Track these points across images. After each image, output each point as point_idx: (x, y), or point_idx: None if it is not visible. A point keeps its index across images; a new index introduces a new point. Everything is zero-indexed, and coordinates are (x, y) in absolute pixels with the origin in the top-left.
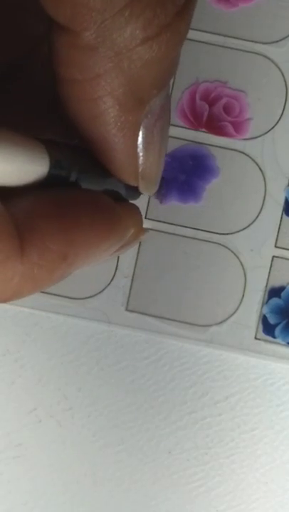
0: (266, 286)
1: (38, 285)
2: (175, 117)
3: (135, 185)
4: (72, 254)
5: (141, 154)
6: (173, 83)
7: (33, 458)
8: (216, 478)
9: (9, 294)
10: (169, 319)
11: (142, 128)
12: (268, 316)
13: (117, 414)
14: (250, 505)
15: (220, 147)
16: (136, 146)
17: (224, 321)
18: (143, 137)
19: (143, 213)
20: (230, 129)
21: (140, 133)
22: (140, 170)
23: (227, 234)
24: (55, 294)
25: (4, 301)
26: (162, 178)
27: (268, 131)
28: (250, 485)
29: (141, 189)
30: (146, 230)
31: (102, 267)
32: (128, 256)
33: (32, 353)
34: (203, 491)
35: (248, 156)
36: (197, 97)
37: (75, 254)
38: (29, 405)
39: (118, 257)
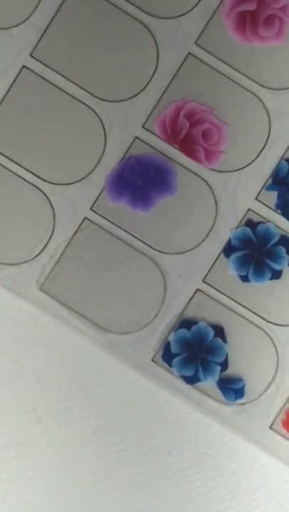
0: (180, 315)
1: None
2: (154, 125)
3: None
4: None
5: None
6: (163, 92)
7: (33, 458)
8: (216, 479)
9: None
10: (77, 312)
11: None
12: (171, 343)
13: (117, 414)
14: (250, 505)
15: (185, 168)
16: None
17: (128, 333)
18: None
19: (90, 204)
20: (202, 154)
21: None
22: None
23: (162, 252)
24: None
25: None
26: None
27: (236, 170)
28: (250, 485)
29: None
30: None
31: (30, 240)
32: (60, 238)
33: (32, 353)
34: (202, 491)
35: (209, 186)
36: (182, 113)
37: None
38: (29, 405)
39: (51, 235)
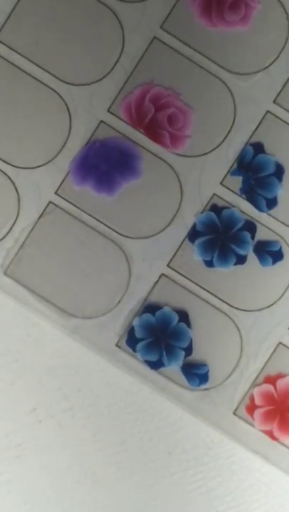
0: (145, 299)
1: None
2: (119, 109)
3: None
4: None
5: None
6: (129, 76)
7: (33, 458)
8: (216, 479)
9: None
10: (41, 297)
11: None
12: (136, 328)
13: (117, 414)
14: (251, 506)
15: (150, 152)
16: None
17: (92, 317)
18: None
19: (55, 188)
20: (167, 139)
21: None
22: None
23: (126, 236)
24: None
25: None
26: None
27: (201, 155)
28: (251, 485)
29: None
30: None
31: None
32: (25, 222)
33: (32, 353)
34: (203, 492)
35: (174, 170)
36: (147, 97)
37: None
38: (29, 405)
39: (16, 219)
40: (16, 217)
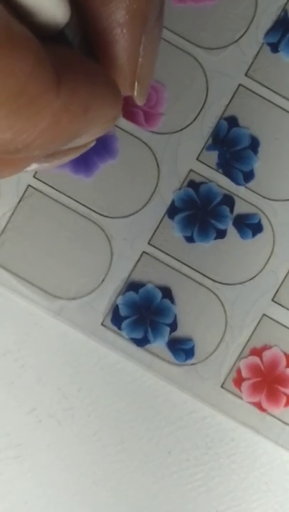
0: (128, 278)
1: (60, 133)
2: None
3: (130, 91)
4: (92, 109)
5: (141, 53)
6: None
7: (33, 458)
8: (216, 479)
9: (38, 130)
10: (24, 280)
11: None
12: (120, 307)
13: (117, 414)
14: (250, 505)
15: (125, 131)
16: (140, 41)
17: (76, 298)
18: (145, 33)
19: (33, 172)
20: (141, 117)
21: (144, 29)
22: (138, 71)
23: (106, 216)
24: None
25: (29, 142)
26: None
27: (176, 132)
28: (250, 485)
29: (136, 95)
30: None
31: None
32: (6, 207)
33: (32, 353)
34: (203, 491)
35: (149, 148)
36: None
37: (94, 110)
38: (29, 405)
39: None
40: None
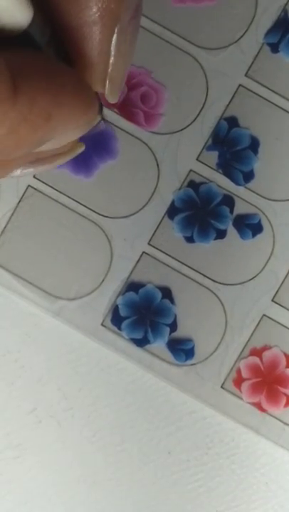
0: (128, 278)
1: (20, 141)
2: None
3: (101, 89)
4: (55, 117)
5: (113, 52)
6: None
7: (33, 458)
8: (216, 479)
9: None
10: (24, 280)
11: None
12: (120, 307)
13: (117, 414)
14: (250, 506)
15: (126, 132)
16: (111, 39)
17: (76, 298)
18: (117, 33)
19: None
20: (141, 117)
21: (116, 28)
22: (109, 70)
23: (106, 217)
24: None
25: None
26: None
27: (176, 132)
28: (250, 485)
29: (107, 93)
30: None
31: None
32: (5, 207)
33: (32, 353)
34: (203, 491)
35: (150, 148)
36: None
37: (57, 118)
38: (29, 405)
39: None
40: None
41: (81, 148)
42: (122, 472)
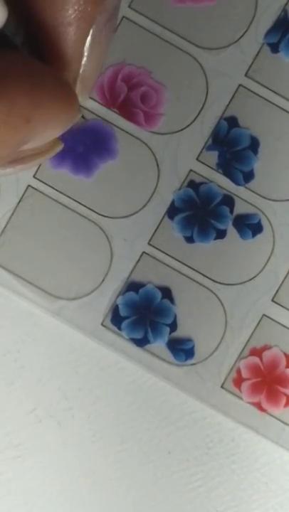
0: (128, 278)
1: (1, 143)
2: (92, 90)
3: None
4: (35, 118)
5: (86, 53)
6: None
7: (33, 458)
8: (216, 479)
9: None
10: (24, 280)
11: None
12: (120, 307)
13: (117, 414)
14: (250, 506)
15: (125, 132)
16: (85, 41)
17: (76, 298)
18: (92, 35)
19: (33, 172)
20: (141, 117)
21: (91, 29)
22: (81, 70)
23: (106, 217)
24: None
25: None
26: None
27: (176, 132)
28: (250, 485)
29: (77, 93)
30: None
31: None
32: (5, 207)
33: (32, 353)
34: (203, 491)
35: (149, 148)
36: (119, 77)
37: (37, 119)
38: (29, 405)
39: None
40: None
41: (60, 147)
42: (122, 472)
